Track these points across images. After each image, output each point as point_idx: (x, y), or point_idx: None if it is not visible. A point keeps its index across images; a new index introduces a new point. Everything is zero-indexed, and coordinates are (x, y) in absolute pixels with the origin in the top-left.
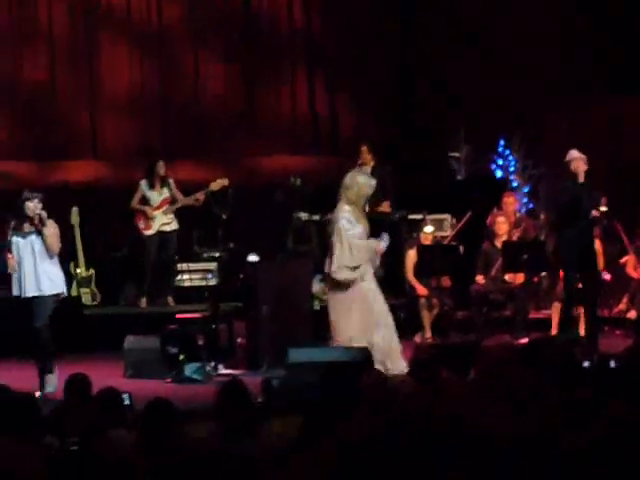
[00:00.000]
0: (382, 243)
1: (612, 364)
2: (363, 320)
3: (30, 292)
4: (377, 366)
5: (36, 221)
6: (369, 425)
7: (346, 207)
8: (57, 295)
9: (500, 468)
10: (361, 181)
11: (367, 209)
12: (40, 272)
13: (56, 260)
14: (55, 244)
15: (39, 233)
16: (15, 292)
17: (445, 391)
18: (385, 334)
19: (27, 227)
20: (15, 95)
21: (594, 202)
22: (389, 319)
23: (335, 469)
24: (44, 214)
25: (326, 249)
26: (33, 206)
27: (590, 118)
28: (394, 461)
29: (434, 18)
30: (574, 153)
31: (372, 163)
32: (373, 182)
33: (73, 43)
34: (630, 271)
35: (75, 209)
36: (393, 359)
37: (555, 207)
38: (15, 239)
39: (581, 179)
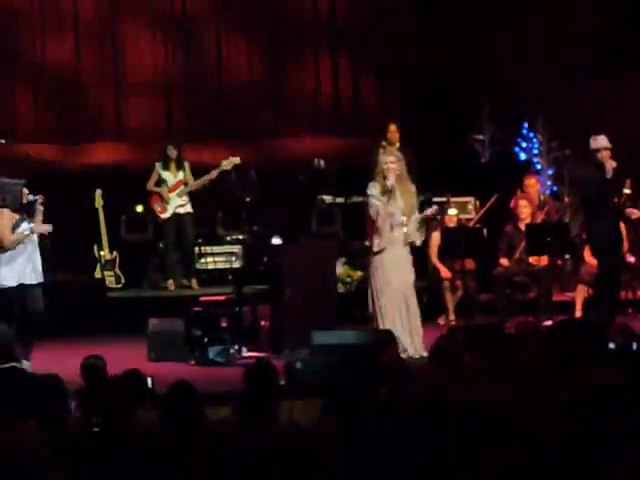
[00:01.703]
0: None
1: (634, 346)
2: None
3: (42, 276)
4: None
5: (35, 207)
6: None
7: (370, 184)
8: None
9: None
10: (377, 158)
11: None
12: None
13: None
14: None
15: (31, 219)
16: (15, 281)
17: (465, 375)
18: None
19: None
20: (41, 79)
21: (619, 193)
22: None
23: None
24: (41, 200)
25: (353, 231)
26: (26, 193)
27: (616, 100)
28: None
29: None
30: (602, 141)
31: (398, 144)
32: (388, 158)
33: (98, 26)
34: None
35: (99, 192)
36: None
37: (582, 198)
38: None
39: (609, 175)
